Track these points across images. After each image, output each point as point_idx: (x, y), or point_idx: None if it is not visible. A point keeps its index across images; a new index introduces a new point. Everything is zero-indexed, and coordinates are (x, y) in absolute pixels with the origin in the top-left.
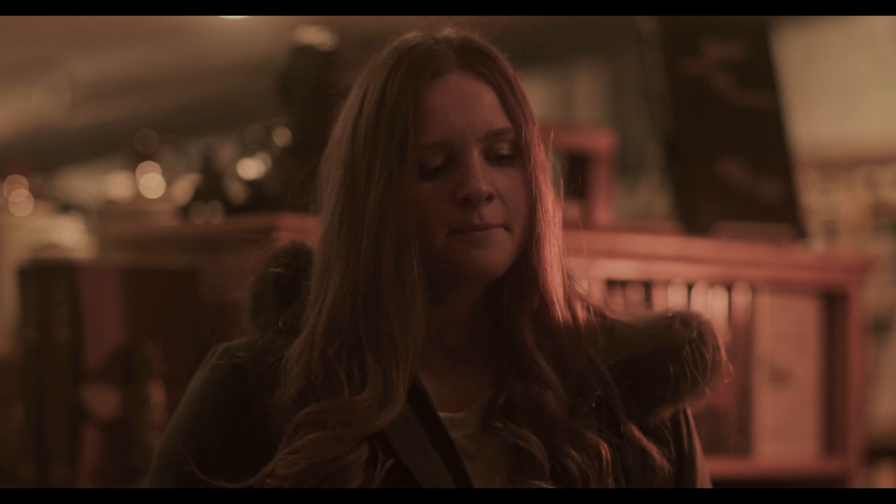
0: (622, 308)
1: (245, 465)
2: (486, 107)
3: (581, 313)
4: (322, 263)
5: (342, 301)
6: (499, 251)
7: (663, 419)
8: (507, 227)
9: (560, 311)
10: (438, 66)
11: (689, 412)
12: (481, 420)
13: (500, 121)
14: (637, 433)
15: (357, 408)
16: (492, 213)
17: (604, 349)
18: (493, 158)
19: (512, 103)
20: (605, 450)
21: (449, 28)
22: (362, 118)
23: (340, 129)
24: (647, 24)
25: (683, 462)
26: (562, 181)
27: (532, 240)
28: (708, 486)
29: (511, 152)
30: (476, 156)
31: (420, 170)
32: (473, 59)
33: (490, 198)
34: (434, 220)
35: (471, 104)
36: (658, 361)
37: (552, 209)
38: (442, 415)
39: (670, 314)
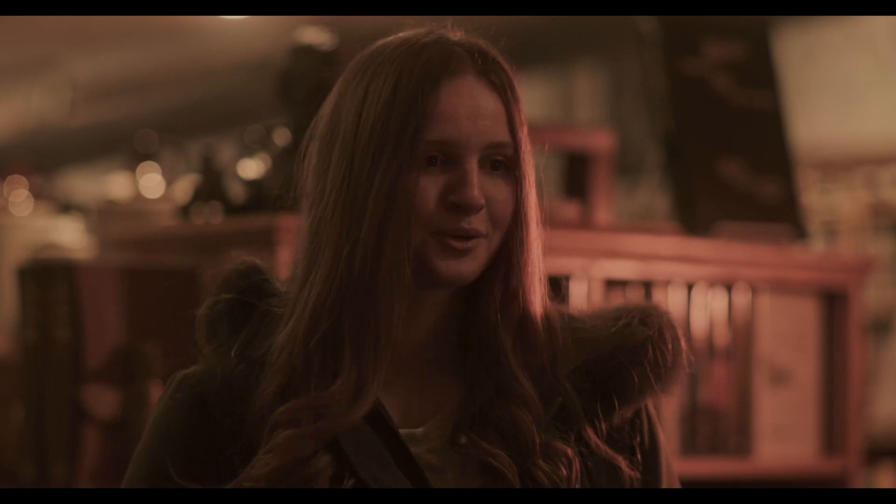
0: (585, 306)
1: (215, 482)
2: (493, 117)
3: (555, 324)
4: (309, 254)
5: (329, 291)
6: (474, 261)
7: (625, 418)
8: (486, 237)
9: (539, 325)
10: (456, 67)
11: (651, 407)
12: (447, 433)
13: (503, 134)
14: (601, 444)
15: (327, 403)
16: (478, 221)
17: (566, 354)
18: (487, 167)
19: (516, 119)
20: (573, 458)
21: (458, 31)
22: (369, 111)
23: (332, 119)
24: (647, 24)
25: (645, 457)
26: (544, 189)
27: (518, 257)
28: (675, 480)
29: (504, 164)
30: (474, 164)
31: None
32: (488, 68)
33: (481, 208)
34: (419, 217)
35: (480, 111)
36: (619, 363)
37: (537, 225)
38: (403, 431)
39: (630, 311)
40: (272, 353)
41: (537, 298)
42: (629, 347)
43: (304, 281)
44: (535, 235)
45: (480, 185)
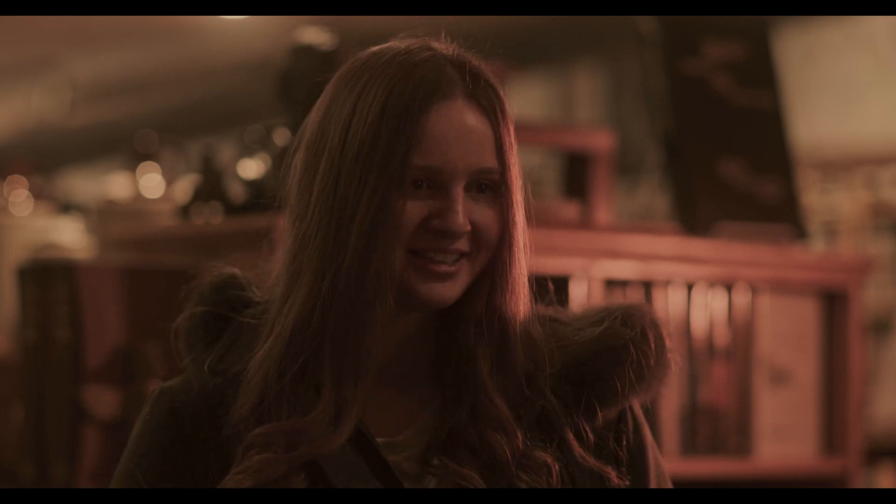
0: (570, 306)
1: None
2: (481, 142)
3: (538, 340)
4: (290, 272)
5: (308, 314)
6: (456, 284)
7: (609, 420)
8: (469, 258)
9: (519, 348)
10: (447, 91)
11: (637, 408)
12: (423, 445)
13: (490, 159)
14: (587, 456)
15: (306, 429)
16: (460, 242)
17: (548, 359)
18: (473, 191)
19: (505, 144)
20: (553, 466)
21: (449, 45)
22: (357, 128)
23: (320, 130)
24: (647, 24)
25: (632, 458)
26: (531, 207)
27: (504, 282)
28: (666, 481)
29: (491, 188)
30: (461, 190)
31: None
32: (479, 91)
33: (464, 234)
34: (400, 237)
35: (468, 137)
36: (600, 366)
37: (525, 249)
38: (381, 439)
39: (612, 312)
40: (248, 371)
41: (518, 320)
42: (610, 349)
43: (285, 300)
44: (521, 258)
45: (466, 210)
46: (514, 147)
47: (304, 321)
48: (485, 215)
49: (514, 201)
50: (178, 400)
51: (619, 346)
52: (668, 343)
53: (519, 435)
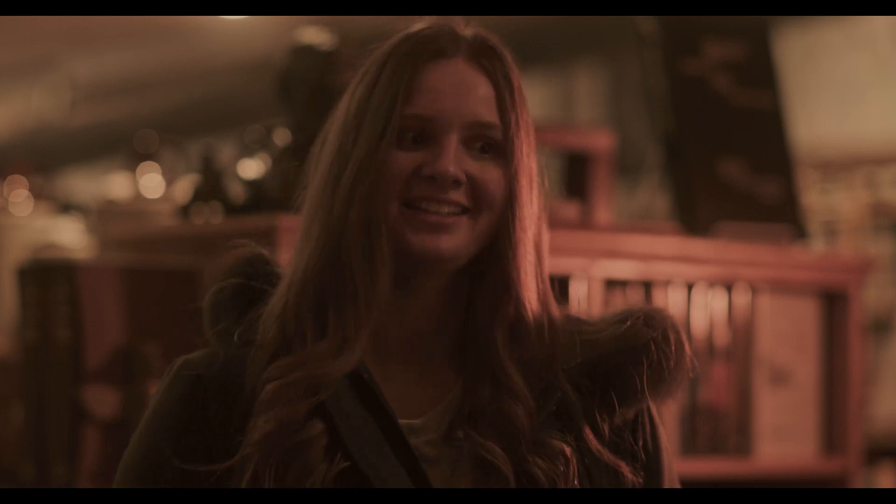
0: (588, 308)
1: (211, 463)
2: (479, 98)
3: (554, 319)
4: (304, 230)
5: (315, 261)
6: (453, 238)
7: (626, 419)
8: (470, 215)
9: (534, 319)
10: (443, 48)
11: (654, 409)
12: (445, 426)
13: (490, 115)
14: (603, 449)
15: (312, 356)
16: (456, 195)
17: (568, 353)
18: (475, 149)
19: (507, 103)
20: (570, 456)
21: (465, 24)
22: (358, 90)
23: (334, 115)
24: (647, 24)
25: (648, 459)
26: (546, 183)
27: (508, 244)
28: (676, 483)
29: (495, 148)
30: (454, 140)
31: (396, 139)
32: (480, 52)
33: (457, 182)
34: (390, 187)
35: (465, 91)
36: (621, 363)
37: (532, 215)
38: (402, 421)
39: (634, 313)
40: (264, 320)
41: (531, 291)
42: (631, 349)
43: (297, 255)
44: (527, 224)
45: (462, 163)
46: (524, 109)
47: (312, 270)
48: (487, 172)
49: (518, 161)
50: (201, 369)
51: (641, 346)
52: (687, 347)
53: (531, 401)
